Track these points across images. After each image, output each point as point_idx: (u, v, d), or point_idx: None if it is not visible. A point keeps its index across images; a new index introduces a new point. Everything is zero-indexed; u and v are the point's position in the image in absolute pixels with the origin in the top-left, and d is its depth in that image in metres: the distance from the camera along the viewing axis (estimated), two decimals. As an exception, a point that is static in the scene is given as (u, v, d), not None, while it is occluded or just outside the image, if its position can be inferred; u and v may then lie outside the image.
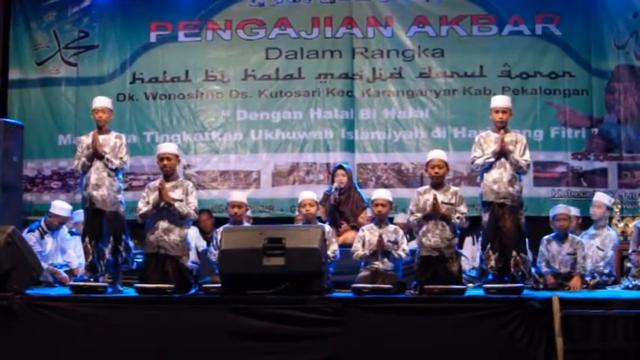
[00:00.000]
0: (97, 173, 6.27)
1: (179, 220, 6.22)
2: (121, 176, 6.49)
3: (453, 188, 6.27)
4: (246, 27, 9.41)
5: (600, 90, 9.06)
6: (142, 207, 6.27)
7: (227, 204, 6.71)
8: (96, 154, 6.28)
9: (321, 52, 9.32)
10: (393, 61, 9.27)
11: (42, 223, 7.47)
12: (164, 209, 6.17)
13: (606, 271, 7.01)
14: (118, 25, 9.47)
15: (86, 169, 6.32)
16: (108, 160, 6.28)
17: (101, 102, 6.52)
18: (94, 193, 6.24)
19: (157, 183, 6.30)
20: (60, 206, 7.58)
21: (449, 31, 9.27)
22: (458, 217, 6.02)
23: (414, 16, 9.29)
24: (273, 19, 9.37)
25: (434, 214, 5.98)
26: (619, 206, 8.04)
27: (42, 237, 7.39)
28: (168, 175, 6.34)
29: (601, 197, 7.46)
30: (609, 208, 7.48)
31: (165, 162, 6.32)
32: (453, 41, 9.24)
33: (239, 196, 6.71)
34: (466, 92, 9.17)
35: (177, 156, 6.44)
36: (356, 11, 9.33)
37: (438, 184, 6.15)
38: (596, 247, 7.12)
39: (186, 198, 6.25)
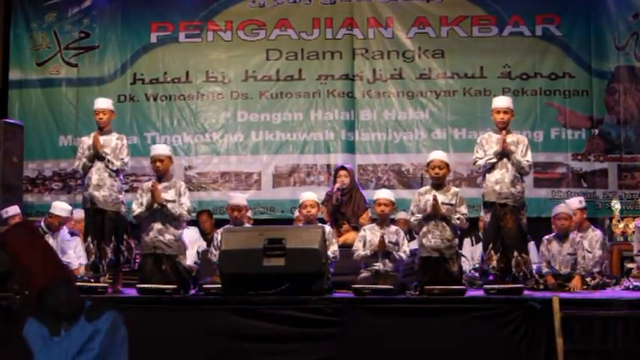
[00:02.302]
0: (98, 174, 6.27)
1: (173, 220, 6.22)
2: (122, 176, 6.49)
3: (454, 189, 6.26)
4: (247, 28, 9.42)
5: (600, 91, 9.07)
6: (136, 208, 6.28)
7: (227, 206, 6.71)
8: (97, 155, 6.28)
9: (322, 53, 9.33)
10: (393, 62, 9.28)
11: (42, 224, 7.47)
12: (157, 210, 6.17)
13: (596, 270, 6.98)
14: (118, 26, 9.48)
15: (87, 169, 6.32)
16: (109, 161, 6.27)
17: (102, 103, 6.52)
18: (96, 193, 6.24)
19: (149, 184, 6.31)
20: (60, 207, 7.58)
21: (449, 32, 9.28)
22: (458, 218, 6.00)
23: (415, 17, 9.30)
24: (273, 20, 9.38)
25: (434, 215, 5.96)
26: (617, 207, 8.01)
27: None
28: (161, 177, 6.35)
29: (572, 204, 7.24)
30: (585, 209, 7.42)
31: (158, 164, 6.32)
32: (454, 42, 9.25)
33: (239, 199, 6.70)
34: (466, 93, 9.18)
35: (170, 157, 6.43)
36: (356, 12, 9.34)
37: (438, 184, 6.14)
38: (585, 250, 7.10)
39: (179, 199, 6.24)
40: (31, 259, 2.92)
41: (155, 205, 6.14)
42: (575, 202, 7.34)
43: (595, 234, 7.23)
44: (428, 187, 6.24)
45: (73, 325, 2.93)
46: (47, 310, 2.96)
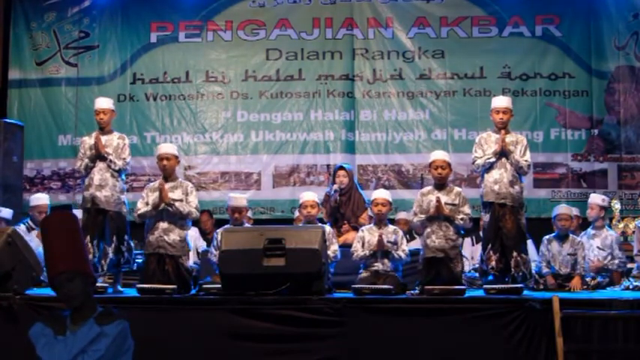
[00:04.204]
0: (100, 174, 6.26)
1: (179, 220, 6.20)
2: (123, 176, 6.48)
3: (456, 189, 6.21)
4: (247, 28, 9.42)
5: (600, 91, 9.08)
6: (141, 207, 6.25)
7: (227, 207, 6.70)
8: (99, 156, 6.27)
9: (322, 53, 9.34)
10: (393, 62, 9.29)
11: (28, 222, 7.36)
12: (164, 210, 6.16)
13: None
14: (118, 26, 9.49)
15: (89, 170, 6.30)
16: (111, 161, 6.26)
17: (103, 103, 6.50)
18: (98, 193, 6.21)
19: (156, 184, 6.29)
20: (36, 197, 7.56)
21: (449, 32, 9.29)
22: (462, 218, 5.98)
23: (415, 18, 9.31)
24: (273, 20, 9.39)
25: (437, 216, 5.95)
26: (617, 207, 8.02)
27: (29, 231, 7.23)
28: (168, 176, 6.33)
29: (593, 198, 7.43)
30: (604, 208, 7.46)
31: (165, 162, 6.29)
32: (454, 42, 9.26)
33: (240, 200, 6.69)
34: (466, 93, 9.19)
35: (176, 157, 6.41)
36: (356, 12, 9.35)
37: (440, 184, 6.13)
38: (597, 247, 7.13)
39: (187, 198, 6.23)
40: (57, 244, 3.01)
41: (162, 205, 6.13)
42: (598, 199, 7.37)
43: (610, 233, 7.26)
44: (430, 188, 6.22)
45: (81, 326, 2.96)
46: (59, 297, 3.03)
